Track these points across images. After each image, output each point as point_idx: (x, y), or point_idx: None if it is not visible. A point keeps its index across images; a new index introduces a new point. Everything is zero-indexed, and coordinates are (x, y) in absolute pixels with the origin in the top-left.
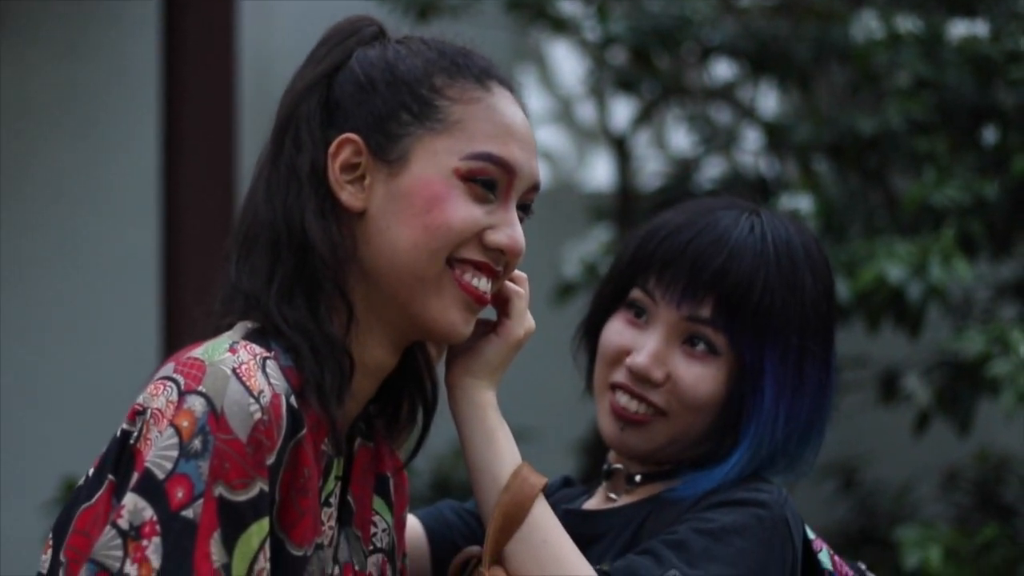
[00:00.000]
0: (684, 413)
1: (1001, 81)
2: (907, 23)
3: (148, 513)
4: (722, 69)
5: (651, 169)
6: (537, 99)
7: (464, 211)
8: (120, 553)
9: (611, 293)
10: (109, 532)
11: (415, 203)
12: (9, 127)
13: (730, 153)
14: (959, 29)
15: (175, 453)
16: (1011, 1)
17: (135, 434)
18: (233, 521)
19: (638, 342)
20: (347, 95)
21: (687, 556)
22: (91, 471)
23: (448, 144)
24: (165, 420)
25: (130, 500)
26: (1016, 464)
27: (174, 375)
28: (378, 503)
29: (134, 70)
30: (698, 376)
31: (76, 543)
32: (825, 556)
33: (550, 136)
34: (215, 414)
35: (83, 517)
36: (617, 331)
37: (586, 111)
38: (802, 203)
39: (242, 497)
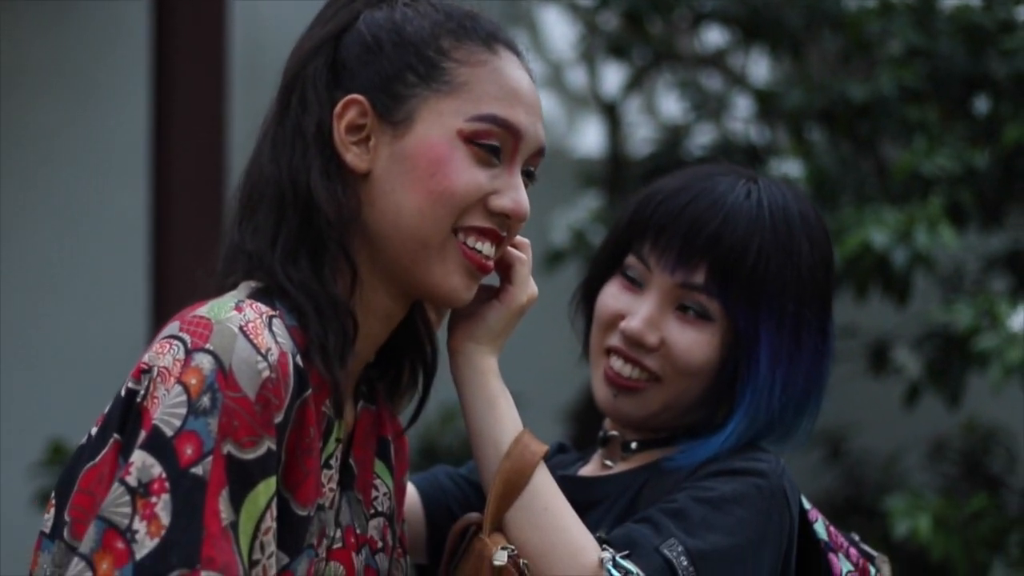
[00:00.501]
0: (678, 379)
1: (993, 50)
2: None
3: (157, 470)
4: (713, 36)
5: (642, 135)
6: None
7: (468, 175)
8: (128, 510)
9: (607, 258)
10: (117, 489)
11: (419, 165)
12: (1, 89)
13: (721, 120)
14: None
15: (183, 410)
16: None
17: (141, 392)
18: (241, 479)
19: (633, 307)
20: (353, 56)
21: (686, 525)
22: (94, 430)
23: (453, 105)
24: (172, 378)
25: (138, 457)
26: (1003, 435)
27: (180, 333)
28: (379, 467)
29: (125, 32)
30: (692, 341)
31: (81, 502)
32: (820, 527)
33: (540, 101)
34: (223, 371)
35: (87, 476)
36: (612, 295)
37: (577, 77)
38: (792, 169)
39: (250, 455)
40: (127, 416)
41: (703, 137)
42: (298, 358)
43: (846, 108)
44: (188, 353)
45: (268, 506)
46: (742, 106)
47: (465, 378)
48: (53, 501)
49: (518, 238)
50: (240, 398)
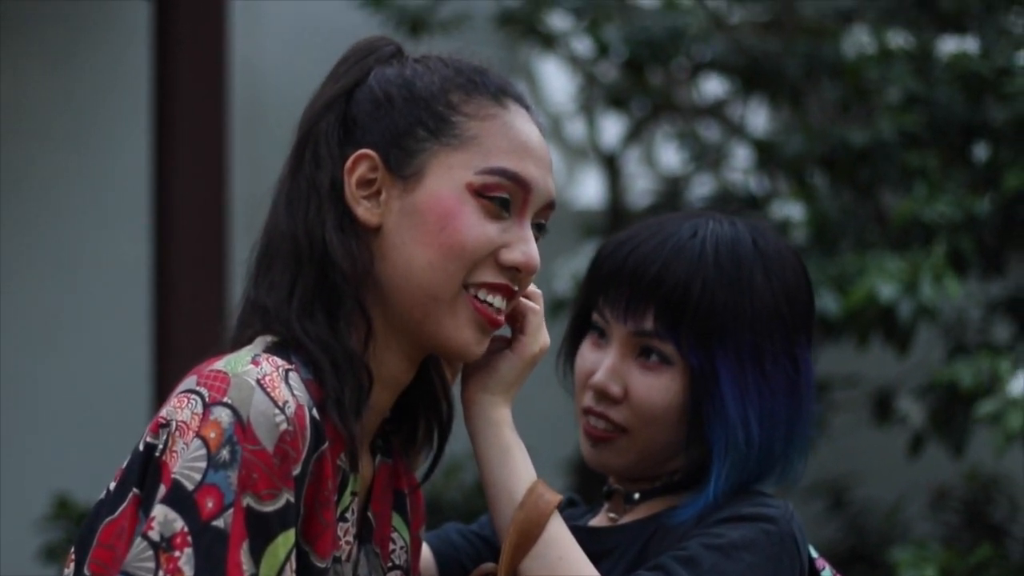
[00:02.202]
0: (643, 427)
1: (991, 97)
2: (898, 39)
3: (179, 524)
4: (712, 85)
5: (641, 186)
6: None
7: (477, 229)
8: (152, 564)
9: (576, 316)
10: (140, 544)
11: (428, 219)
12: (0, 134)
13: (720, 170)
14: (949, 46)
15: (203, 464)
16: (1000, 18)
17: (160, 447)
18: (261, 531)
19: (600, 362)
20: (365, 112)
21: (697, 571)
22: (112, 484)
23: (463, 159)
24: (191, 432)
25: (160, 512)
26: (1005, 484)
27: (198, 387)
28: (396, 520)
29: (125, 78)
30: (650, 387)
31: (101, 556)
32: (828, 574)
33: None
34: (241, 425)
35: (107, 531)
36: (583, 356)
37: (576, 128)
38: (794, 212)
39: (269, 508)
40: (146, 470)
41: (702, 187)
42: (314, 411)
43: (846, 154)
44: (206, 407)
45: (288, 558)
46: (741, 156)
47: (478, 429)
48: (73, 556)
49: (530, 288)
50: (259, 451)
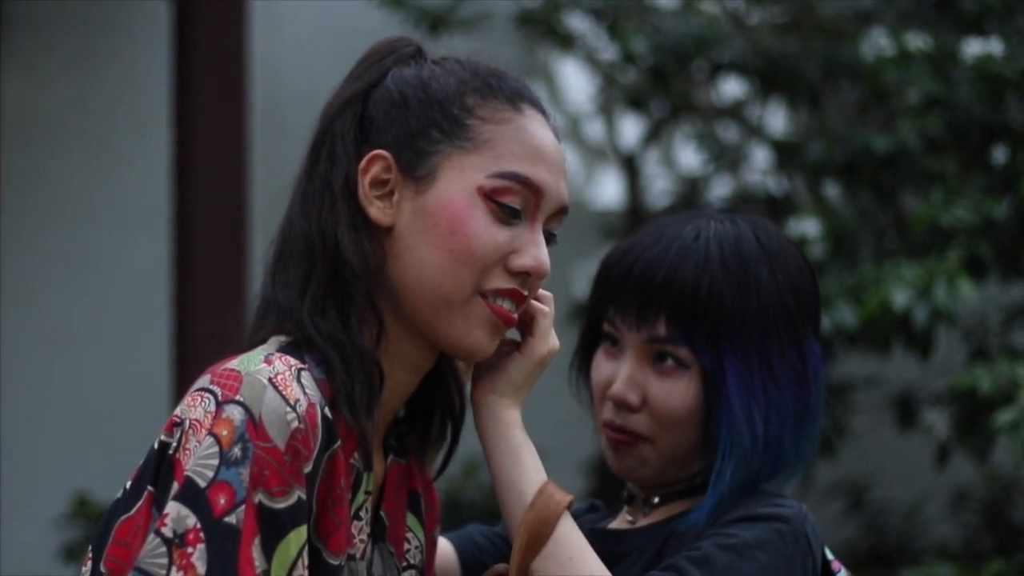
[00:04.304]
0: (665, 434)
1: (1013, 99)
2: (917, 41)
3: (191, 521)
4: (731, 87)
5: (660, 187)
6: None
7: (487, 235)
8: (165, 561)
9: (587, 328)
10: (153, 541)
11: (439, 222)
12: (20, 139)
13: (738, 172)
14: (971, 48)
15: (216, 461)
16: (1022, 19)
17: (174, 445)
18: (272, 528)
19: (616, 372)
20: (381, 112)
21: (711, 571)
22: (128, 483)
23: (476, 162)
24: (204, 430)
25: (173, 508)
26: None
27: (211, 386)
28: (411, 520)
29: (145, 82)
30: (668, 392)
31: (116, 554)
32: None
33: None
34: (253, 422)
35: (122, 528)
36: (598, 367)
37: (595, 129)
38: (811, 228)
39: (281, 505)
40: (160, 468)
41: (721, 188)
42: (326, 410)
43: (868, 160)
44: (219, 405)
45: (299, 554)
46: (760, 157)
47: (488, 430)
48: (90, 554)
49: (541, 291)
50: (270, 448)
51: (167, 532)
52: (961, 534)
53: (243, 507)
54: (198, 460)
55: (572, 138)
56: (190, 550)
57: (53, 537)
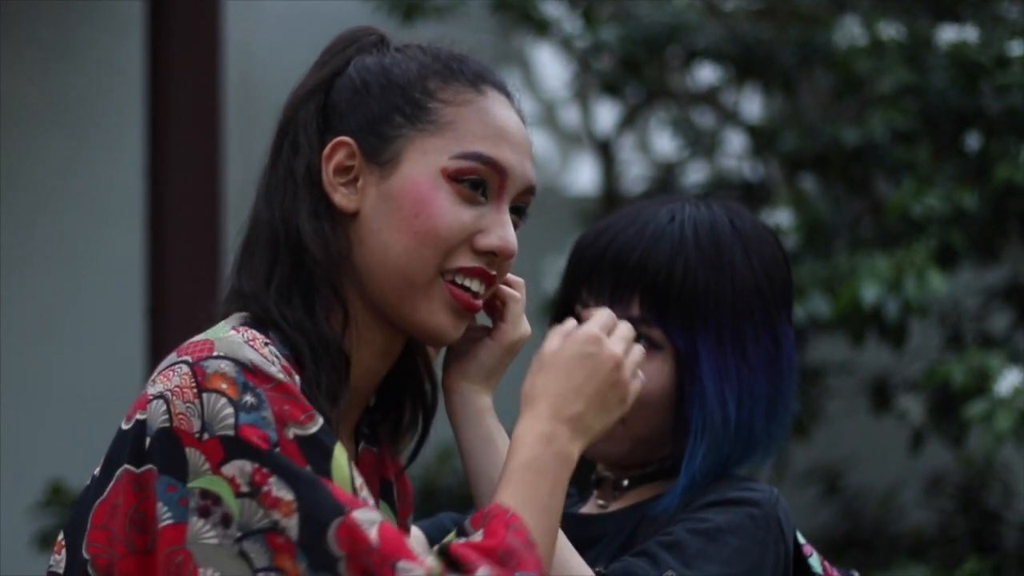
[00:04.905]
0: (637, 414)
1: (986, 86)
2: (890, 29)
3: (249, 467)
4: (706, 73)
5: (635, 173)
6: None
7: (452, 216)
8: (261, 512)
9: (560, 310)
10: (242, 503)
11: (404, 205)
12: None
13: (714, 157)
14: (946, 35)
15: (230, 411)
16: (996, 6)
17: (160, 419)
18: (319, 451)
19: None
20: (344, 100)
21: (682, 556)
22: (97, 470)
23: (438, 144)
24: (191, 391)
25: (231, 470)
26: (1000, 470)
27: (180, 358)
28: (383, 508)
29: (119, 71)
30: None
31: (98, 538)
32: (815, 561)
33: (534, 140)
34: (248, 370)
35: (99, 513)
36: None
37: (570, 115)
38: (784, 218)
39: (313, 428)
40: (139, 446)
41: (696, 174)
42: (296, 378)
43: (839, 152)
44: (195, 365)
45: (350, 467)
46: (735, 143)
47: (460, 417)
48: (63, 542)
49: (511, 276)
50: (276, 385)
51: (244, 489)
52: (936, 519)
53: (278, 449)
54: (213, 418)
55: (547, 124)
56: (266, 488)
57: (27, 525)
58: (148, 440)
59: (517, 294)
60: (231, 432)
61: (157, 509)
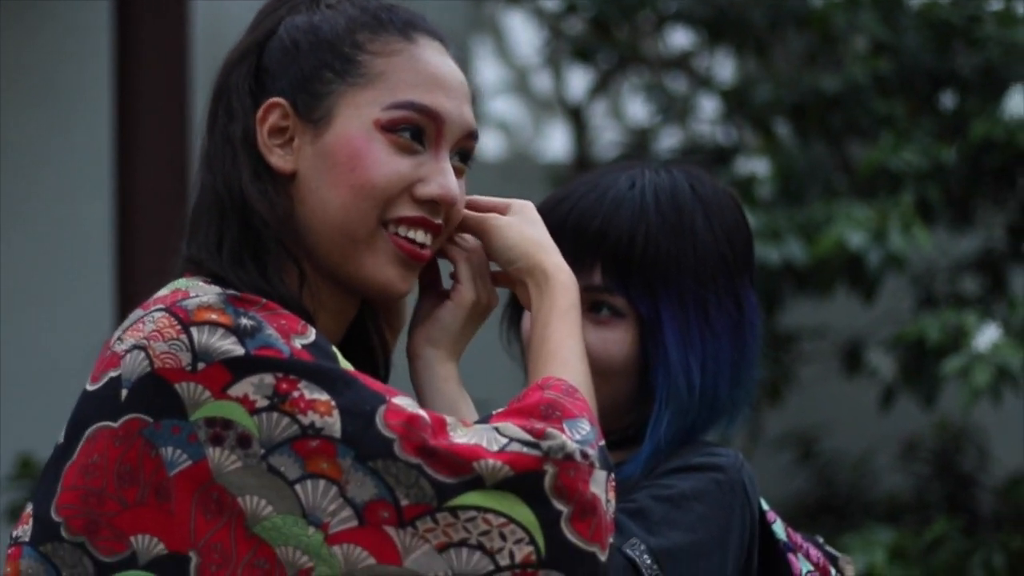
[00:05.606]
0: (603, 382)
1: (960, 45)
2: None
3: (269, 379)
4: (678, 37)
5: (608, 139)
6: (493, 69)
7: (388, 166)
8: (289, 420)
9: None
10: (260, 419)
11: (339, 161)
12: None
13: (687, 122)
14: None
15: (232, 339)
16: None
17: (141, 366)
18: (326, 354)
19: None
20: (275, 61)
21: (647, 524)
22: (61, 438)
23: (370, 96)
24: (174, 331)
25: (240, 389)
26: (975, 433)
27: (150, 310)
28: None
29: (86, 42)
30: (605, 341)
31: (69, 500)
32: (779, 527)
33: (506, 107)
34: (232, 297)
35: (69, 475)
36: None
37: (542, 81)
38: (759, 166)
39: (313, 335)
40: (114, 402)
41: (670, 139)
42: None
43: (818, 101)
44: (174, 307)
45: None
46: (708, 108)
47: (424, 384)
48: (30, 511)
49: (468, 237)
50: (263, 305)
51: (263, 404)
52: (912, 484)
53: (294, 358)
54: (215, 347)
55: (519, 91)
56: (296, 393)
57: None
58: (125, 392)
59: (465, 253)
60: (240, 351)
61: (165, 455)
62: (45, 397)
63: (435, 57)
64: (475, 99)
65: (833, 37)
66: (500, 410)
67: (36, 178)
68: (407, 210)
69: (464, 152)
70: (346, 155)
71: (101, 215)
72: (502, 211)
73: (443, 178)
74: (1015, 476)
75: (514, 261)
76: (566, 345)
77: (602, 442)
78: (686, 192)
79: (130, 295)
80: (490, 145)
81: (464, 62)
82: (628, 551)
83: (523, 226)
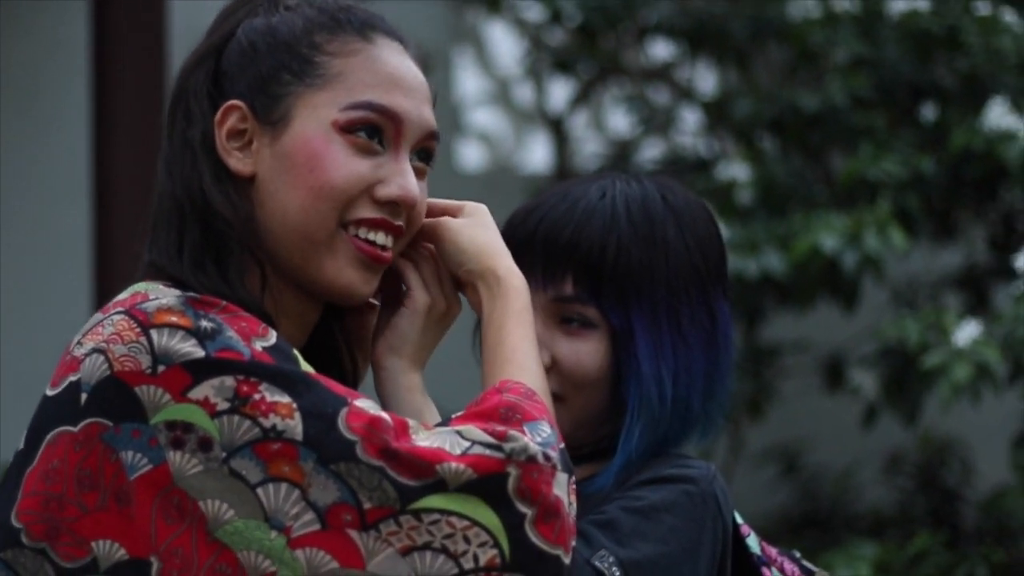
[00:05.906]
0: (576, 394)
1: (941, 56)
2: (844, 2)
3: (229, 381)
4: (659, 49)
5: (589, 151)
6: (474, 80)
7: (346, 168)
8: (250, 423)
9: None
10: (221, 422)
11: (298, 162)
12: None
13: (668, 134)
14: (899, 5)
15: (192, 341)
16: None
17: (100, 370)
18: (286, 357)
19: None
20: (233, 64)
21: (616, 535)
22: (21, 444)
23: (328, 98)
24: (133, 333)
25: (201, 392)
26: (958, 447)
27: (109, 314)
28: None
29: (64, 47)
30: (577, 352)
31: (30, 505)
32: (753, 540)
33: (487, 118)
34: (192, 299)
35: (29, 480)
36: None
37: (523, 92)
38: (739, 172)
39: (273, 338)
40: (73, 407)
41: (651, 151)
42: None
43: (796, 118)
44: (134, 310)
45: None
46: (690, 119)
47: (388, 394)
48: None
49: (427, 246)
50: (223, 308)
51: (223, 406)
52: (895, 498)
53: (253, 359)
54: (176, 350)
55: (500, 102)
56: (257, 396)
57: None
58: (85, 396)
59: (409, 262)
60: (200, 353)
61: (125, 459)
62: (20, 402)
63: (394, 57)
64: (435, 100)
65: (812, 53)
66: (459, 414)
67: (13, 184)
68: (367, 211)
69: (425, 152)
70: (304, 157)
71: (79, 221)
72: (454, 213)
73: (403, 179)
74: (998, 490)
75: (464, 264)
76: (521, 348)
77: (562, 445)
78: (657, 202)
79: (108, 300)
80: (471, 156)
81: (424, 62)
82: (597, 563)
83: (475, 229)
